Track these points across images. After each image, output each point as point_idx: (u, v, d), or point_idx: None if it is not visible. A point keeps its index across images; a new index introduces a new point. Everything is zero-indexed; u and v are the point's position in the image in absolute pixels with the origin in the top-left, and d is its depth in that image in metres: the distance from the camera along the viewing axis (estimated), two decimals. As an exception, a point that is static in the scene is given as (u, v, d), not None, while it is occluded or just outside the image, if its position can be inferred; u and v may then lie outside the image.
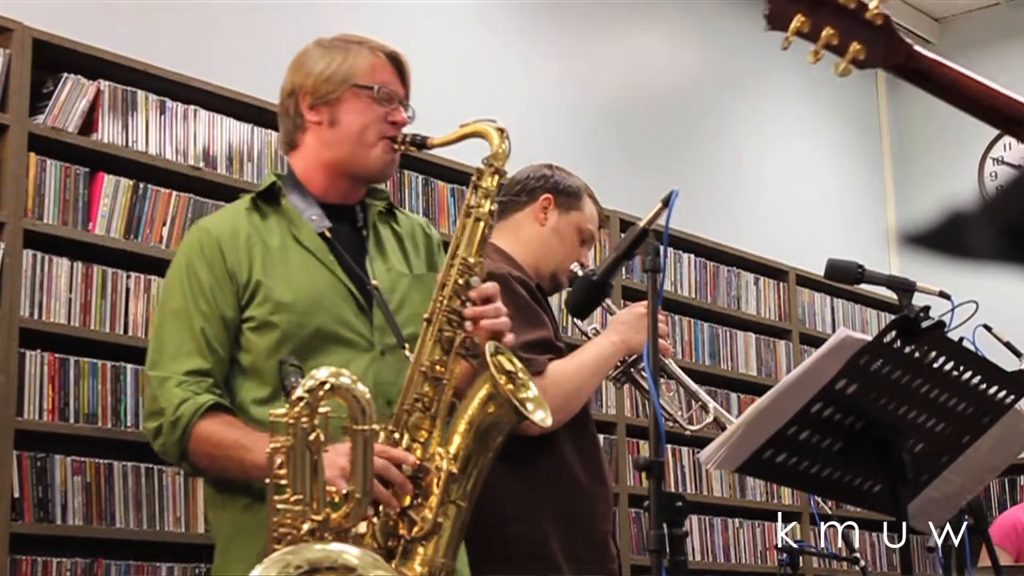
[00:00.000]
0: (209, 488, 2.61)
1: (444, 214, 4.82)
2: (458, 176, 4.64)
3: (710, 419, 3.36)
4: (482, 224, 2.50)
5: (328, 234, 2.58)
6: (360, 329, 2.53)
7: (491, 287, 2.47)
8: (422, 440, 2.38)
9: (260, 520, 2.39)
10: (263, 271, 2.52)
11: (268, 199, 2.63)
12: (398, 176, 4.74)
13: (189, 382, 2.46)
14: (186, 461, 2.47)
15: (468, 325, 2.42)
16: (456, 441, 2.37)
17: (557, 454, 3.02)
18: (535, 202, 3.24)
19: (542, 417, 2.39)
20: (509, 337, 2.46)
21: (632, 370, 3.21)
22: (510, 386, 2.36)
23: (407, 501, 2.32)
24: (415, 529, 2.31)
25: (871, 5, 1.42)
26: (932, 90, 1.39)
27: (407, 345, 2.50)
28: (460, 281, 2.44)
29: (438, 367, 2.41)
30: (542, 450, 2.98)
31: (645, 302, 3.21)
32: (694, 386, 3.43)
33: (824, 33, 1.45)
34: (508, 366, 2.39)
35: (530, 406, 2.38)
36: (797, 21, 1.46)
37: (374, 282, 2.57)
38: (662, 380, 3.43)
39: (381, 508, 2.30)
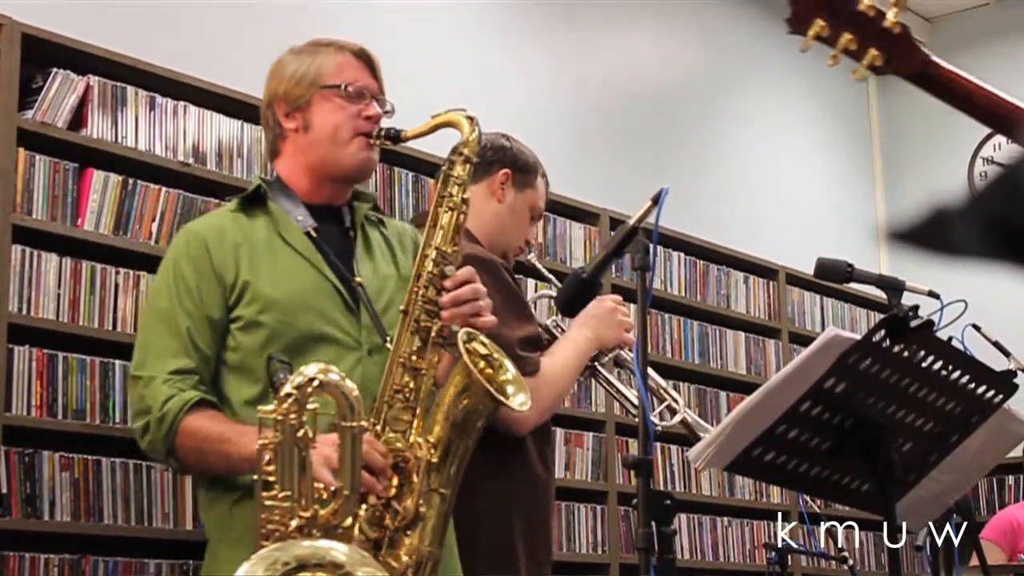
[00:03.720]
0: (200, 487, 2.62)
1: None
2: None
3: (677, 419, 3.32)
4: (455, 213, 2.50)
5: (314, 233, 2.59)
6: (347, 328, 2.54)
7: (467, 272, 2.47)
8: (402, 431, 2.38)
9: (245, 519, 2.40)
10: (250, 271, 2.53)
11: (254, 202, 2.65)
12: (387, 174, 4.74)
13: (175, 380, 2.47)
14: (173, 457, 2.48)
15: (444, 313, 2.42)
16: (437, 430, 2.38)
17: (526, 454, 3.01)
18: (492, 176, 3.17)
19: (522, 401, 2.39)
20: (490, 319, 2.45)
21: (596, 364, 3.20)
22: (488, 370, 2.37)
23: (392, 491, 2.32)
24: (399, 519, 2.32)
25: (889, 14, 1.43)
26: (949, 100, 1.40)
27: (389, 337, 2.50)
28: (435, 271, 2.44)
29: (416, 358, 2.41)
30: (514, 450, 2.97)
31: (614, 296, 3.21)
32: (663, 382, 3.40)
33: (843, 38, 1.46)
34: (483, 350, 2.39)
35: (510, 388, 2.38)
36: (817, 26, 1.47)
37: (359, 279, 2.58)
38: (623, 373, 3.40)
39: (369, 499, 2.30)
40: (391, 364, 2.41)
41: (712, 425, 3.21)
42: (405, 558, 2.31)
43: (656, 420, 3.33)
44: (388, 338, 2.51)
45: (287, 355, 2.44)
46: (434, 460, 2.35)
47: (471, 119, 2.55)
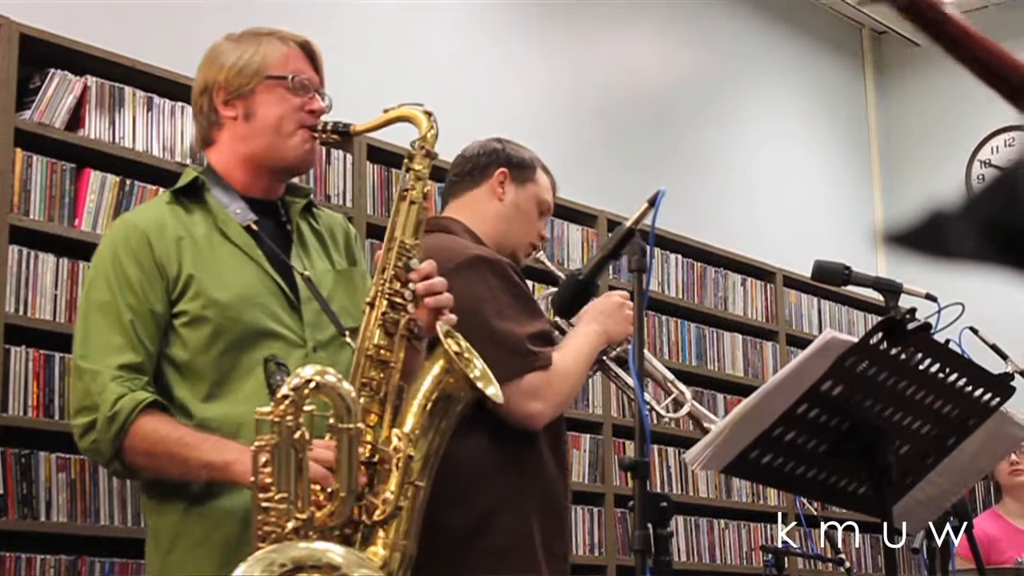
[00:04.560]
0: (144, 493, 2.54)
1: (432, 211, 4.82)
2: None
3: (685, 411, 3.32)
4: (416, 207, 2.48)
5: (254, 227, 2.55)
6: (291, 325, 2.51)
7: (429, 265, 2.45)
8: (372, 424, 2.35)
9: (203, 524, 2.39)
10: (194, 266, 2.48)
11: (190, 194, 2.59)
12: (385, 174, 4.73)
13: (124, 377, 2.40)
14: (118, 459, 2.40)
15: (410, 307, 2.40)
16: (411, 421, 2.36)
17: (539, 449, 3.01)
18: (490, 178, 3.17)
19: (494, 392, 2.39)
20: (452, 316, 2.44)
21: (604, 358, 3.20)
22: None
23: (362, 489, 2.29)
24: (377, 513, 2.29)
25: None
26: (946, 46, 1.36)
27: (347, 333, 2.49)
28: (399, 264, 2.42)
29: (383, 351, 2.39)
30: (526, 444, 2.97)
31: (622, 291, 3.21)
32: (670, 375, 3.40)
33: None
34: (455, 347, 2.39)
35: (480, 384, 2.37)
36: None
37: (306, 272, 2.55)
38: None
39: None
40: (358, 357, 2.38)
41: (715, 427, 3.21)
42: (383, 552, 2.29)
43: (663, 412, 3.33)
44: (347, 332, 2.49)
45: (233, 351, 2.42)
46: (412, 453, 2.33)
47: (428, 114, 2.51)
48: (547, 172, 3.27)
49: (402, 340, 2.40)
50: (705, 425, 3.25)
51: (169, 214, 2.54)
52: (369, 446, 2.32)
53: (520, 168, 3.19)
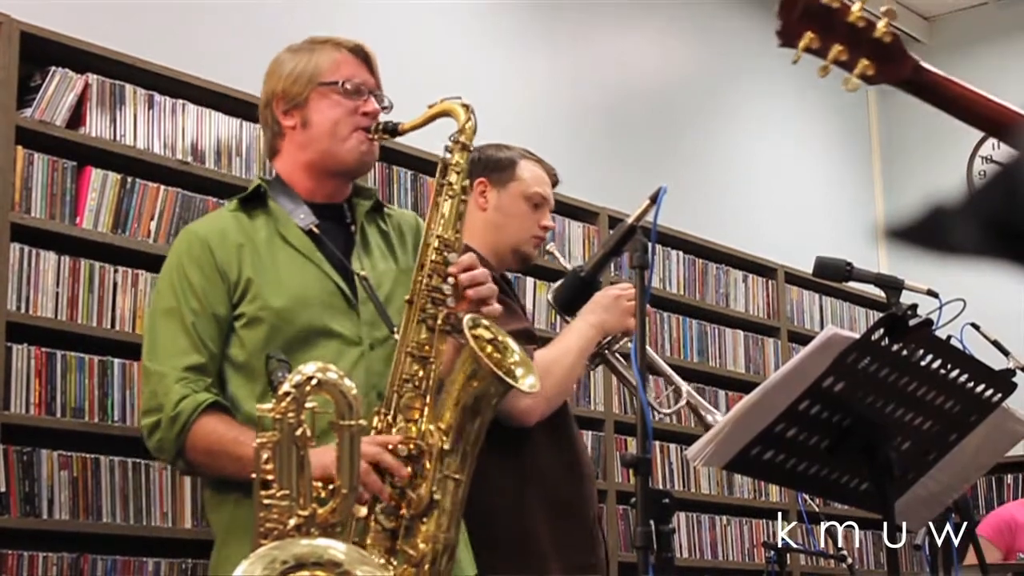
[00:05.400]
0: (207, 487, 2.64)
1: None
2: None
3: (683, 402, 3.33)
4: (455, 201, 2.51)
5: (316, 230, 2.61)
6: (348, 324, 2.56)
7: (469, 258, 2.48)
8: (415, 419, 2.39)
9: (251, 516, 2.41)
10: (253, 270, 2.55)
11: (253, 201, 2.67)
12: (386, 172, 4.74)
13: (189, 379, 2.49)
14: (182, 458, 2.49)
15: (450, 301, 2.42)
16: (447, 416, 2.38)
17: (535, 446, 3.01)
18: (472, 191, 3.20)
19: (531, 383, 2.39)
20: (496, 307, 2.45)
21: (606, 352, 3.20)
22: (496, 354, 2.37)
23: (406, 480, 2.33)
24: (413, 507, 2.33)
25: (880, 24, 1.44)
26: (940, 104, 1.40)
27: (396, 329, 2.51)
28: (438, 259, 2.45)
29: (424, 347, 2.42)
30: (520, 442, 2.97)
31: (621, 284, 3.21)
32: (667, 369, 3.40)
33: (834, 50, 1.46)
34: (488, 335, 2.39)
35: (519, 371, 2.38)
36: (807, 38, 1.47)
37: (363, 273, 2.59)
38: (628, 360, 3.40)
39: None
40: (399, 354, 2.42)
41: (713, 416, 3.21)
42: (422, 545, 2.32)
43: (659, 408, 3.34)
44: (395, 329, 2.52)
45: (289, 351, 2.45)
46: (446, 447, 2.36)
47: (466, 107, 2.56)
48: (538, 162, 3.27)
49: (442, 335, 2.44)
50: (702, 413, 3.26)
51: (232, 221, 2.63)
52: (413, 442, 2.36)
53: (498, 171, 3.21)
